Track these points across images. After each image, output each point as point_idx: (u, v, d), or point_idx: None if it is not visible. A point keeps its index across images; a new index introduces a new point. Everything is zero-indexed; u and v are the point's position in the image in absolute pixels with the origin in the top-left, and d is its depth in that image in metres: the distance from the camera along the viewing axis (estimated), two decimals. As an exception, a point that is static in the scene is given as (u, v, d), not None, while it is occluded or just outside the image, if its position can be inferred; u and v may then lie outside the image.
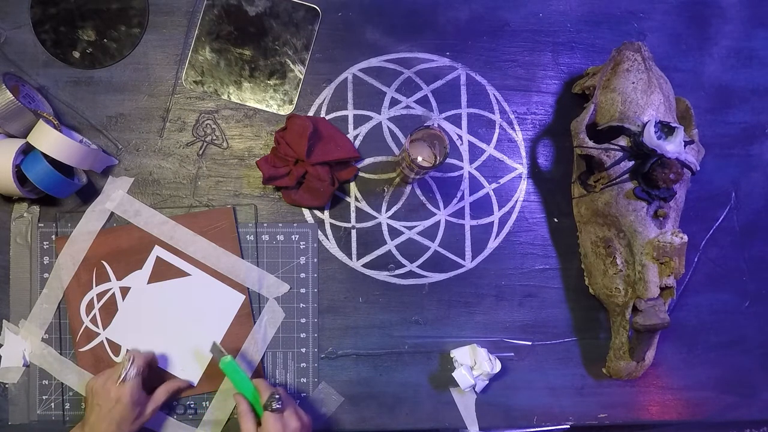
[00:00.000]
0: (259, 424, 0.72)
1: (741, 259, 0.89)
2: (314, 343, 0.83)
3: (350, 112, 0.86)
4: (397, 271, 0.84)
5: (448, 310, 0.84)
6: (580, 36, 0.89)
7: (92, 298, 0.80)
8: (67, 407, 0.80)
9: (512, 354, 0.85)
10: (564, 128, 0.86)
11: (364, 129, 0.86)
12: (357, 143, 0.85)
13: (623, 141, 0.77)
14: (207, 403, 0.81)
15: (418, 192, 0.85)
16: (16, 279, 0.81)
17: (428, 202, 0.85)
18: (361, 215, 0.85)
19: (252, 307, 0.82)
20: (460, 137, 0.87)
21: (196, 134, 0.84)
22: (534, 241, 0.86)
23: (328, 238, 0.84)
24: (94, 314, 0.80)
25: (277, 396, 0.72)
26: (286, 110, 0.85)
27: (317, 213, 0.84)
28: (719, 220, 0.89)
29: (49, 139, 0.75)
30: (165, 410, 0.80)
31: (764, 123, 0.90)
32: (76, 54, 0.83)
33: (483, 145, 0.87)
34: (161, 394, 0.77)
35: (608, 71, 0.80)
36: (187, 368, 0.81)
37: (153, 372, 0.80)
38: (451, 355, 0.83)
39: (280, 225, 0.83)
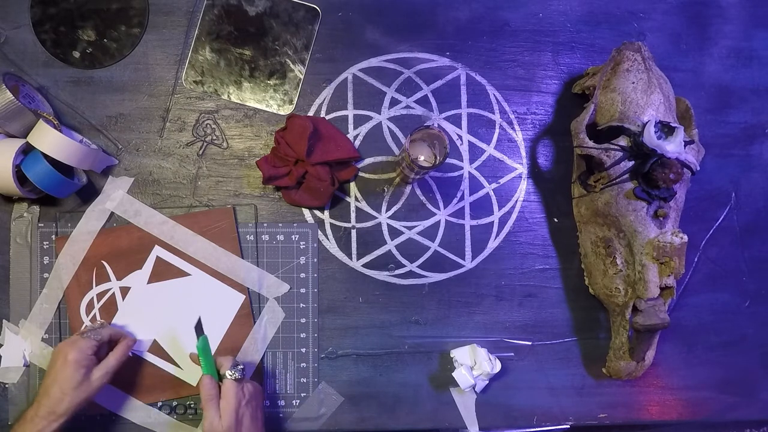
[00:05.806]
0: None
1: (741, 259, 0.89)
2: (314, 343, 0.83)
3: (350, 112, 0.86)
4: (397, 271, 0.84)
5: (448, 310, 0.84)
6: (580, 36, 0.89)
7: (92, 298, 0.80)
8: (67, 407, 0.80)
9: (512, 354, 0.85)
10: (564, 128, 0.86)
11: (364, 129, 0.86)
12: (357, 143, 0.85)
13: (623, 141, 0.77)
14: (207, 403, 0.81)
15: (418, 192, 0.85)
16: (16, 279, 0.81)
17: (428, 202, 0.85)
18: (361, 215, 0.85)
19: (252, 307, 0.82)
20: (460, 137, 0.87)
21: (196, 134, 0.84)
22: (534, 241, 0.86)
23: (328, 238, 0.84)
24: (94, 314, 0.80)
25: (240, 367, 0.73)
26: (286, 110, 0.85)
27: (317, 213, 0.84)
28: (719, 220, 0.89)
29: (49, 139, 0.75)
30: (166, 410, 0.80)
31: (764, 123, 0.90)
32: (76, 54, 0.83)
33: (483, 145, 0.87)
34: (112, 359, 0.73)
35: (608, 71, 0.80)
36: (187, 368, 0.81)
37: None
38: (451, 355, 0.83)
39: (280, 225, 0.83)
